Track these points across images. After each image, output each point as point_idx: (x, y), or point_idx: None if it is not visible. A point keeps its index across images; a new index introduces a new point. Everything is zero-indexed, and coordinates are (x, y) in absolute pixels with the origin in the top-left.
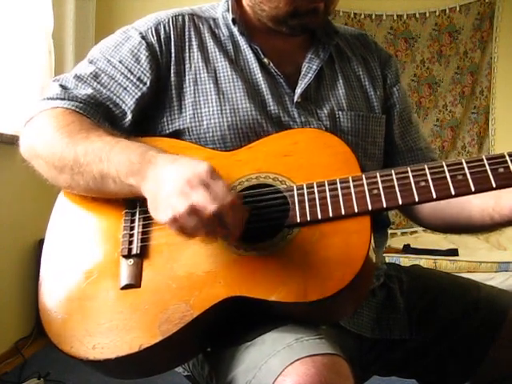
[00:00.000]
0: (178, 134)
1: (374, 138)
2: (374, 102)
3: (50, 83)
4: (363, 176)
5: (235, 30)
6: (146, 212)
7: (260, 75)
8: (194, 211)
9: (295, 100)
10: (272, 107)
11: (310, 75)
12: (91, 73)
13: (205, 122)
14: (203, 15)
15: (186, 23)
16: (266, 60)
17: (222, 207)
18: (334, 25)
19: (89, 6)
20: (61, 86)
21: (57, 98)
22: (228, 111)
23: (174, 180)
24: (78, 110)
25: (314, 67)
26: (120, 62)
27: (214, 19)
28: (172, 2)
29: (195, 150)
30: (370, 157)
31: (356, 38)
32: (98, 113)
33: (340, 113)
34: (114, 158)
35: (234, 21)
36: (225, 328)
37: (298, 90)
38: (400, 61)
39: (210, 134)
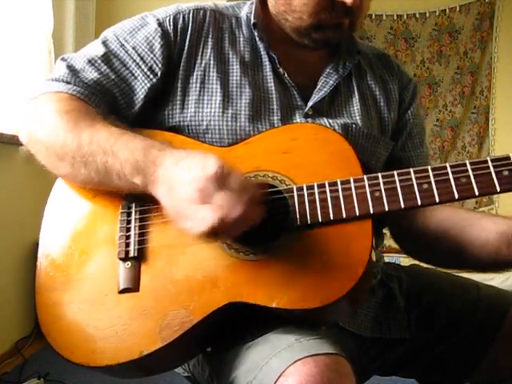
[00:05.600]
0: (177, 130)
1: (376, 162)
2: (387, 124)
3: (57, 61)
4: (365, 177)
5: (255, 34)
6: (142, 212)
7: (272, 84)
8: (223, 220)
9: (305, 111)
10: (278, 118)
11: (325, 89)
12: (102, 55)
13: (205, 123)
14: (226, 13)
15: (207, 18)
16: (281, 70)
17: (245, 206)
18: (359, 44)
19: (89, 6)
20: (68, 66)
21: (62, 81)
22: (229, 116)
23: (188, 187)
24: (82, 97)
25: (331, 82)
26: (133, 48)
27: (236, 18)
28: (173, 2)
29: (192, 144)
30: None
31: (378, 58)
32: (103, 101)
33: (354, 126)
34: (118, 152)
35: (254, 25)
36: (225, 329)
37: (310, 103)
38: (400, 61)
39: (209, 136)
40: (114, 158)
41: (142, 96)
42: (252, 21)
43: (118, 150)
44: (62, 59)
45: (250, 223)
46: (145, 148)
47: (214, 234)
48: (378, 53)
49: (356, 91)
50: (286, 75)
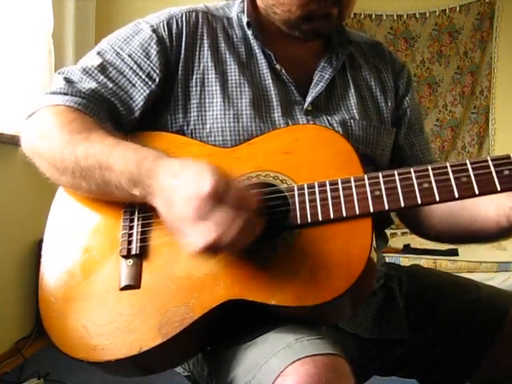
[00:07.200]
0: (180, 134)
1: (382, 150)
2: (385, 113)
3: (55, 75)
4: (365, 177)
5: (249, 32)
6: (146, 211)
7: (270, 81)
8: (221, 238)
9: (305, 107)
10: (279, 114)
11: (321, 84)
12: (98, 65)
13: (208, 126)
14: (217, 14)
15: (200, 20)
16: (278, 66)
17: (243, 222)
18: (349, 33)
19: (89, 6)
20: (65, 78)
21: (60, 93)
22: (231, 116)
23: (184, 205)
24: (80, 107)
25: (327, 76)
26: (129, 55)
27: (227, 18)
28: (173, 2)
29: (195, 146)
30: (376, 167)
31: (371, 47)
32: (102, 109)
33: (352, 121)
34: (113, 165)
35: (248, 24)
36: (225, 328)
37: (309, 99)
38: None
39: (212, 138)
40: (110, 172)
41: (141, 103)
42: (245, 20)
43: (113, 163)
44: (59, 73)
45: (249, 238)
46: (137, 161)
47: (212, 250)
48: (371, 41)
49: (351, 84)
50: (283, 71)
